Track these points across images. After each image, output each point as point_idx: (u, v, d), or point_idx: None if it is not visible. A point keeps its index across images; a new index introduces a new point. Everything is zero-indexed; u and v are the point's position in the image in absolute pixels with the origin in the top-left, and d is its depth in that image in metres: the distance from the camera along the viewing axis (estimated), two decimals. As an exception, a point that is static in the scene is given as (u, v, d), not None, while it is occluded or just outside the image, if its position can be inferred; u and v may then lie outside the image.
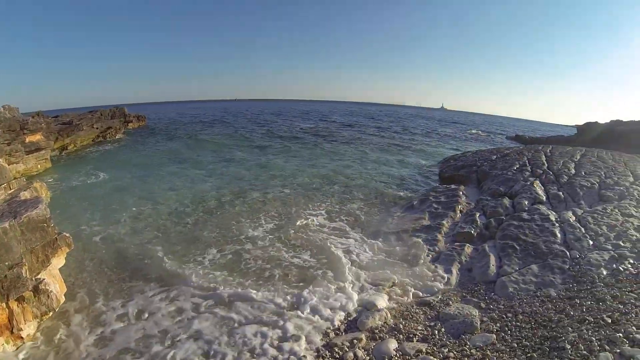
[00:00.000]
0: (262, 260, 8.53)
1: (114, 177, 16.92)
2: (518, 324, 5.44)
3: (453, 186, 13.89)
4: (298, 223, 10.85)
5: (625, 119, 38.54)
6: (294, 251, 9.03)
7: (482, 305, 6.26)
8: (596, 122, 40.74)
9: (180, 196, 13.64)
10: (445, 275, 7.55)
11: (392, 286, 7.21)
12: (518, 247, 8.03)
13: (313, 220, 11.11)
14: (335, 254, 8.66)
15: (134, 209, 12.15)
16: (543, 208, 10.01)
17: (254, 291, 7.04)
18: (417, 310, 6.30)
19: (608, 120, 39.27)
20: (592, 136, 36.24)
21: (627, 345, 4.52)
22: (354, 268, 8.00)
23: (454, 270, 7.72)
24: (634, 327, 4.89)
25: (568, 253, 7.56)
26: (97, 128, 29.29)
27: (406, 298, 6.85)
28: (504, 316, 5.74)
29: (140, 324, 6.21)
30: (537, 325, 5.32)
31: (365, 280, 7.49)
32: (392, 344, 5.20)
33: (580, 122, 44.65)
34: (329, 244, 9.27)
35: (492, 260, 7.75)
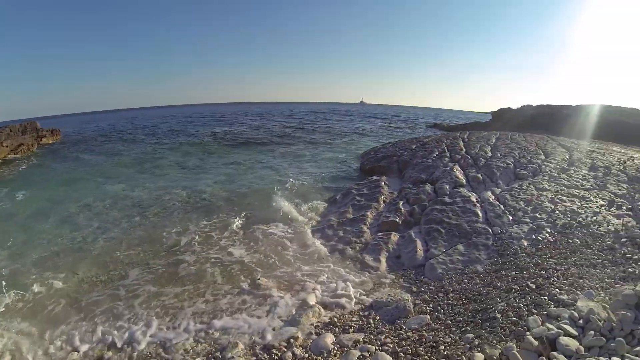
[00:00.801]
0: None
1: (29, 198, 16.60)
2: (450, 301, 6.54)
3: (375, 177, 15.70)
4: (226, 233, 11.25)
5: (534, 103, 48.08)
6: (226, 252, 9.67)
7: (414, 289, 7.33)
8: (509, 107, 50.13)
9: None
10: (375, 265, 8.59)
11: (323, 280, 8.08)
12: (443, 230, 9.57)
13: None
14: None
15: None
16: (464, 190, 11.96)
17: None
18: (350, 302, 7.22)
19: (519, 106, 48.67)
20: (506, 120, 44.16)
21: (552, 306, 5.91)
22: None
23: (383, 259, 8.81)
24: (557, 289, 6.43)
25: (490, 230, 9.33)
26: (6, 146, 30.27)
27: (338, 291, 7.53)
28: (436, 296, 6.83)
29: None
30: (467, 300, 6.49)
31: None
32: (329, 338, 5.85)
33: (495, 109, 53.00)
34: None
35: (419, 245, 9.09)
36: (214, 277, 8.48)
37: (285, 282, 8.14)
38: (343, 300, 7.09)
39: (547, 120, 41.10)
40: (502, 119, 47.57)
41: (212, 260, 9.41)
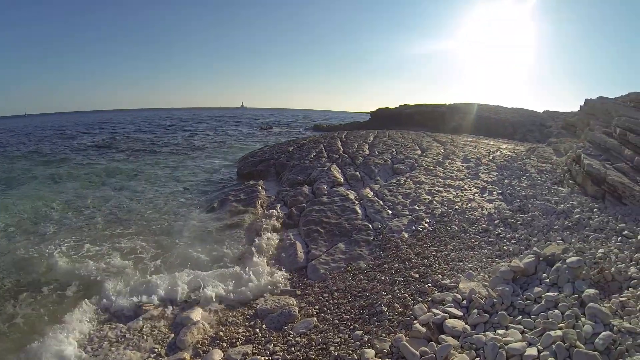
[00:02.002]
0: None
1: None
2: (335, 301, 7.42)
3: (252, 182, 17.24)
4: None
5: (411, 103, 57.08)
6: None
7: (298, 292, 8.11)
8: (387, 107, 58.99)
9: None
10: (256, 271, 9.19)
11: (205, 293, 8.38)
12: (322, 230, 10.76)
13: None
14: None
15: None
16: (342, 189, 13.60)
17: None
18: (235, 313, 7.68)
19: (397, 105, 57.81)
20: (384, 119, 52.03)
21: (436, 292, 7.05)
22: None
23: (264, 264, 9.60)
24: (439, 275, 7.67)
25: (370, 226, 10.70)
26: None
27: (221, 303, 8.12)
28: (321, 297, 7.68)
29: None
30: (353, 297, 7.41)
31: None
32: (217, 355, 6.30)
33: (374, 108, 61.83)
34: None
35: (299, 247, 10.10)
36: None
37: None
38: (226, 312, 7.68)
39: (424, 118, 49.61)
40: (381, 118, 56.16)
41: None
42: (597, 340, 5.07)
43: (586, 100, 29.11)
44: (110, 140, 42.90)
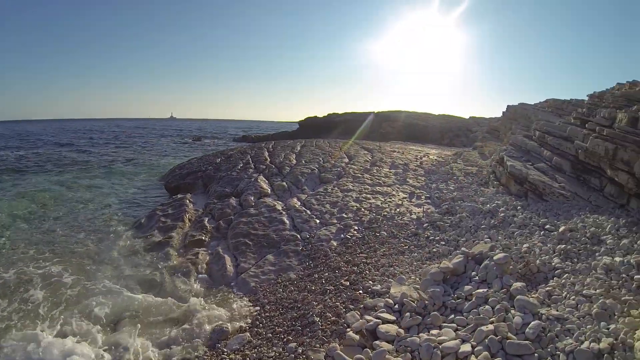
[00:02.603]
0: None
1: None
2: (267, 314, 7.36)
3: (180, 196, 16.89)
4: None
5: (341, 111, 58.71)
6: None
7: (229, 307, 7.95)
8: (315, 116, 60.44)
9: None
10: (186, 289, 9.04)
11: (134, 317, 7.96)
12: (251, 242, 10.72)
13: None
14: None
15: None
16: (269, 200, 13.63)
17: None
18: (168, 334, 7.32)
19: (326, 114, 59.16)
20: (313, 128, 53.39)
21: (368, 298, 7.14)
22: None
23: (193, 281, 9.40)
24: (370, 282, 7.78)
25: (299, 236, 10.77)
26: None
27: (152, 326, 7.71)
28: (253, 311, 7.61)
29: None
30: (285, 309, 7.38)
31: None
32: None
33: (303, 118, 62.95)
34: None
35: (228, 261, 10.00)
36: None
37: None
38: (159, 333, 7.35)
39: (353, 126, 50.04)
40: (310, 127, 57.35)
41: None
42: (527, 329, 5.37)
43: (508, 106, 31.09)
44: (22, 155, 40.47)
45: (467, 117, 54.68)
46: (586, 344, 4.97)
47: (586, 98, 20.25)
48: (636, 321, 5.26)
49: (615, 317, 5.48)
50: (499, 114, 34.70)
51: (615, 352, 4.81)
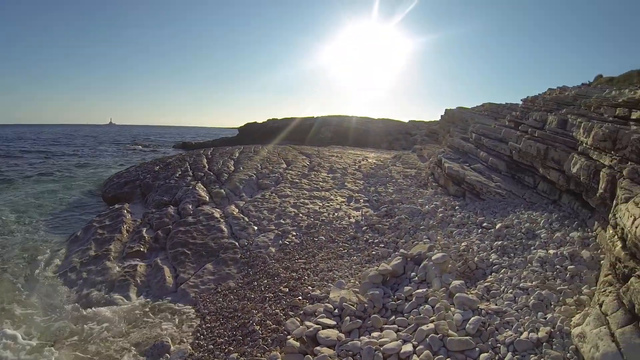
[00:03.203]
0: None
1: None
2: (208, 325, 7.29)
3: (117, 206, 16.27)
4: None
5: (280, 117, 59.28)
6: None
7: (170, 320, 7.83)
8: (255, 122, 60.83)
9: None
10: (125, 304, 8.76)
11: (68, 337, 7.63)
12: (189, 252, 10.59)
13: None
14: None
15: None
16: (207, 208, 13.52)
17: None
18: (103, 352, 7.10)
19: (266, 119, 59.76)
20: (252, 134, 53.81)
21: (308, 304, 7.19)
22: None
23: (133, 295, 9.14)
24: (309, 287, 7.83)
25: (237, 243, 10.72)
26: None
27: (86, 343, 7.42)
28: (193, 323, 7.52)
29: None
30: (225, 319, 7.33)
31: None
32: None
33: (242, 124, 63.14)
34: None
35: (167, 272, 9.81)
36: None
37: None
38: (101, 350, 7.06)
39: (292, 131, 51.82)
40: (250, 133, 57.62)
41: None
42: (468, 325, 5.54)
43: (446, 110, 32.07)
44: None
45: (406, 121, 56.05)
46: (525, 334, 5.18)
47: (520, 102, 21.42)
48: (571, 309, 5.54)
49: (552, 306, 5.76)
50: (438, 118, 35.72)
51: (553, 339, 5.06)
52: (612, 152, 8.27)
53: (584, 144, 9.58)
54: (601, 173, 8.09)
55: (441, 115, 33.24)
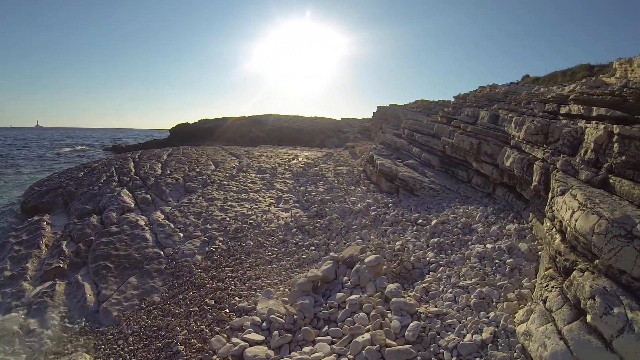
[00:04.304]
0: None
1: None
2: (131, 347, 6.64)
3: (36, 218, 14.93)
4: None
5: (212, 117, 58.58)
6: None
7: (91, 344, 7.10)
8: (186, 122, 60.07)
9: None
10: (42, 330, 7.87)
11: None
12: (112, 265, 9.72)
13: None
14: None
15: None
16: (132, 215, 12.62)
17: None
18: None
19: (197, 120, 58.89)
20: (184, 135, 52.94)
21: (235, 318, 6.64)
22: None
23: (52, 319, 8.22)
24: (236, 298, 7.27)
25: (162, 252, 9.97)
26: None
27: None
28: (116, 346, 6.80)
29: None
30: (149, 339, 6.71)
31: None
32: None
33: (174, 124, 62.19)
34: None
35: (88, 289, 8.93)
36: None
37: None
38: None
39: (223, 131, 51.42)
40: (181, 134, 56.61)
41: None
42: (407, 332, 5.29)
43: (379, 107, 32.32)
44: None
45: (339, 118, 56.69)
46: (468, 336, 5.01)
47: (452, 99, 21.96)
48: (514, 304, 5.49)
49: (494, 303, 5.66)
50: (371, 115, 36.01)
51: (498, 340, 4.93)
52: (545, 145, 8.59)
53: (516, 138, 9.94)
54: (534, 166, 8.32)
55: (373, 112, 33.52)
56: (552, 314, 4.57)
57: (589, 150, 7.10)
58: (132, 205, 13.98)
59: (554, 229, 5.81)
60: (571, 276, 4.68)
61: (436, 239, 8.19)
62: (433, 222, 9.11)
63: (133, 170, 18.96)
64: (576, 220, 5.02)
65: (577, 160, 7.30)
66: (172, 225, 11.56)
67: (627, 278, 4.22)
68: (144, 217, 12.54)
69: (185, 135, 55.25)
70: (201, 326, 6.65)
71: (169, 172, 17.85)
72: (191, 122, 60.74)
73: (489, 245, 7.32)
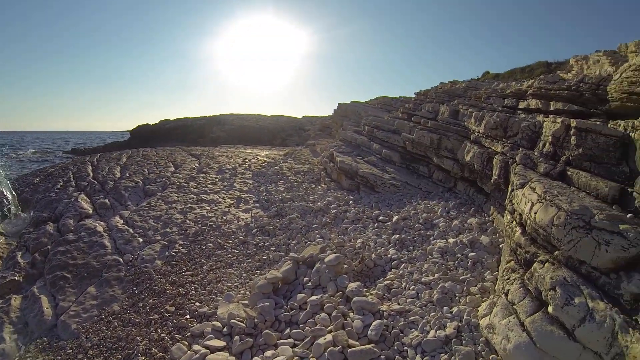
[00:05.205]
0: None
1: None
2: None
3: None
4: None
5: (173, 117, 58.07)
6: None
7: None
8: (147, 123, 59.04)
9: None
10: None
11: None
12: (69, 275, 9.31)
13: None
14: None
15: None
16: (90, 222, 12.16)
17: None
18: None
19: (158, 121, 58.75)
20: (145, 137, 52.29)
21: (195, 324, 6.48)
22: None
23: (8, 336, 7.83)
24: (197, 304, 7.09)
25: (121, 259, 9.64)
26: None
27: None
28: None
29: None
30: (109, 352, 6.47)
31: None
32: None
33: (135, 126, 61.14)
34: None
35: (45, 302, 8.51)
36: None
37: None
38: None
39: (184, 132, 51.22)
40: (142, 135, 55.88)
41: None
42: (369, 332, 5.27)
43: (339, 104, 32.30)
44: None
45: (300, 116, 56.85)
46: (432, 332, 5.04)
47: (413, 95, 22.21)
48: (477, 298, 5.56)
49: (457, 298, 5.70)
50: (332, 113, 36.09)
51: (462, 334, 4.98)
52: (504, 140, 8.78)
53: (475, 133, 10.28)
54: (494, 160, 8.51)
55: (334, 110, 33.51)
56: (515, 307, 4.63)
57: (547, 144, 7.27)
58: (90, 211, 13.51)
59: (514, 222, 5.92)
60: (532, 268, 4.77)
61: (398, 236, 8.20)
62: (394, 219, 9.14)
63: (91, 175, 18.43)
64: (535, 213, 5.13)
65: (536, 153, 7.46)
66: (131, 230, 11.23)
67: (587, 268, 4.30)
68: (102, 222, 12.12)
69: (146, 136, 54.50)
70: (162, 334, 6.46)
71: (128, 175, 17.46)
72: (152, 123, 60.32)
73: (450, 240, 7.39)
